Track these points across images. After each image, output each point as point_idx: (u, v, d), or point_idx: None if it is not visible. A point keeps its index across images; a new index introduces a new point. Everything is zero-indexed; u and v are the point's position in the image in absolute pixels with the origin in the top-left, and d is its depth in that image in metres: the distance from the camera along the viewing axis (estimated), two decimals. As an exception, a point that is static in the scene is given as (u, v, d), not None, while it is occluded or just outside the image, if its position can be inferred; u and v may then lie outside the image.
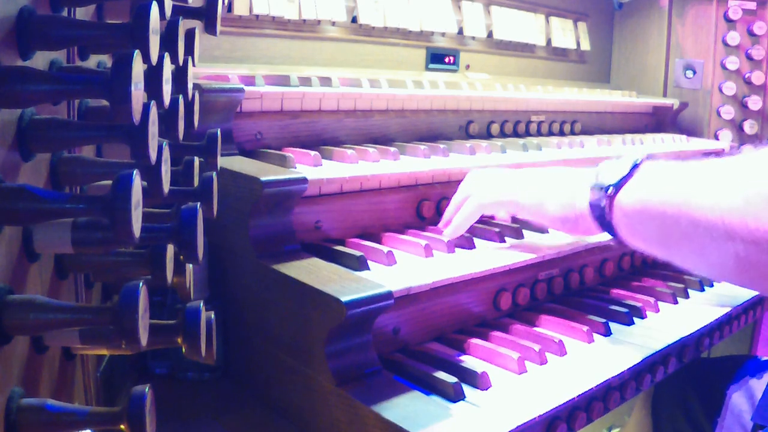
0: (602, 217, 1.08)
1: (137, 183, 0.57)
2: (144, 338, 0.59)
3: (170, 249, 0.74)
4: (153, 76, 0.71)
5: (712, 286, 1.69)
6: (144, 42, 0.62)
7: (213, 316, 0.74)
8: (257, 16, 1.62)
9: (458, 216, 1.35)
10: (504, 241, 1.42)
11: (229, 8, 1.57)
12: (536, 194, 1.22)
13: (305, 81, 1.51)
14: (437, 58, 2.06)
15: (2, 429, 0.55)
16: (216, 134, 0.94)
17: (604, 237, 1.18)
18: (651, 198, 0.99)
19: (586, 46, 2.60)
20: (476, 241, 1.40)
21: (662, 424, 1.69)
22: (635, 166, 1.05)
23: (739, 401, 1.47)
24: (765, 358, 1.59)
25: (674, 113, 2.58)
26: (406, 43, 1.98)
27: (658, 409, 1.70)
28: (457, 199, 1.38)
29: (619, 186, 1.05)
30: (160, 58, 0.70)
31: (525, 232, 1.49)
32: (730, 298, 1.61)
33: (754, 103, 2.54)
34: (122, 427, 0.58)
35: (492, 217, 1.52)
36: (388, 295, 1.05)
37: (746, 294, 1.64)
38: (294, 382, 1.11)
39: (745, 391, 1.48)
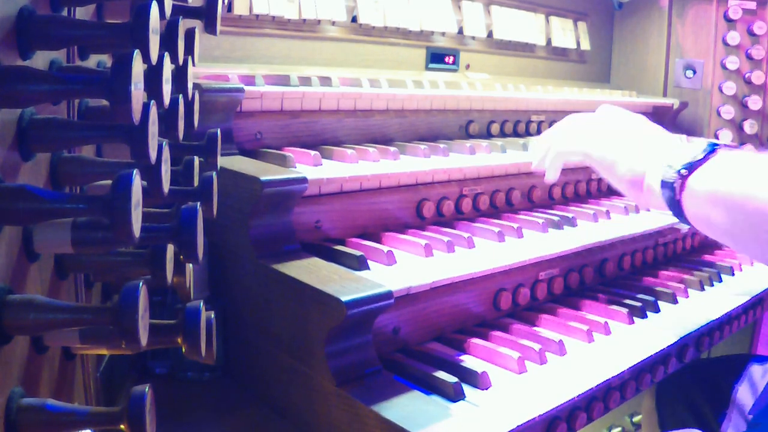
0: (672, 196, 1.09)
1: (137, 183, 0.57)
2: (144, 338, 0.59)
3: (170, 249, 0.74)
4: (153, 76, 0.71)
5: (712, 285, 1.69)
6: (144, 42, 0.62)
7: (213, 316, 0.74)
8: (257, 15, 1.62)
9: (548, 166, 1.36)
10: (504, 241, 1.42)
11: (229, 8, 1.57)
12: (610, 153, 1.23)
13: (305, 81, 1.51)
14: (437, 57, 2.06)
15: (2, 429, 0.55)
16: (216, 134, 0.94)
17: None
18: (721, 185, 1.01)
19: (586, 46, 2.60)
20: (476, 240, 1.40)
21: (667, 421, 1.69)
22: (711, 152, 1.06)
23: (744, 396, 1.48)
24: None
25: (674, 113, 2.58)
26: (406, 42, 1.98)
27: (663, 406, 1.71)
28: (542, 146, 1.39)
29: (692, 167, 1.06)
30: (160, 58, 0.70)
31: (525, 231, 1.49)
32: (730, 297, 1.60)
33: (754, 102, 2.54)
34: (122, 427, 0.58)
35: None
36: (388, 294, 1.05)
37: (747, 293, 1.64)
38: (294, 382, 1.11)
39: (750, 387, 1.49)
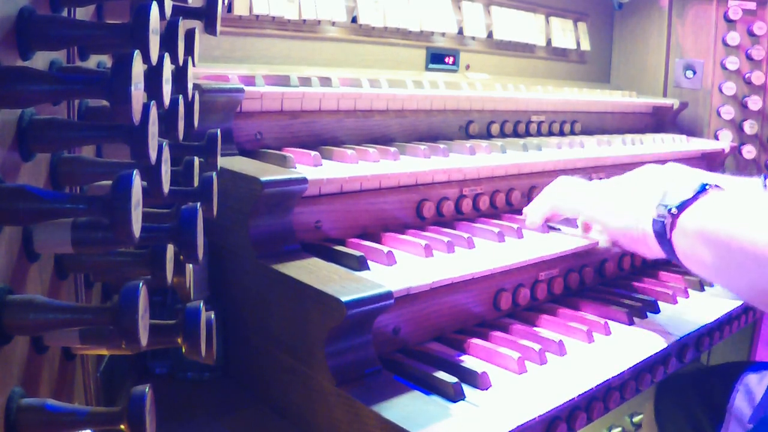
0: (663, 234, 1.13)
1: (137, 183, 0.57)
2: (144, 338, 0.59)
3: (170, 249, 0.74)
4: (153, 76, 0.71)
5: (712, 285, 1.69)
6: (144, 42, 0.62)
7: (213, 316, 0.74)
8: (257, 16, 1.62)
9: (534, 210, 1.48)
10: (504, 241, 1.42)
11: (229, 8, 1.57)
12: (605, 209, 1.31)
13: (305, 81, 1.51)
14: (437, 58, 2.06)
15: (2, 429, 0.55)
16: (216, 134, 0.94)
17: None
18: (708, 224, 1.05)
19: (586, 46, 2.60)
20: (476, 240, 1.40)
21: (666, 430, 1.70)
22: (701, 191, 1.10)
23: (742, 405, 1.48)
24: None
25: (674, 113, 2.58)
26: (406, 43, 1.98)
27: (662, 416, 1.71)
28: (540, 199, 1.52)
29: (682, 207, 1.10)
30: (160, 58, 0.70)
31: (525, 232, 1.49)
32: (730, 297, 1.60)
33: (754, 103, 2.54)
34: (122, 427, 0.58)
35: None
36: (388, 295, 1.05)
37: (746, 294, 1.64)
38: (294, 382, 1.11)
39: (747, 395, 1.49)
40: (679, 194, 1.11)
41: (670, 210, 1.11)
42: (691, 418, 1.62)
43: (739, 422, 1.48)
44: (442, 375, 1.06)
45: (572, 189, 1.45)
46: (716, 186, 1.11)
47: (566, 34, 2.50)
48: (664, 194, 1.15)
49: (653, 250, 1.20)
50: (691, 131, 2.58)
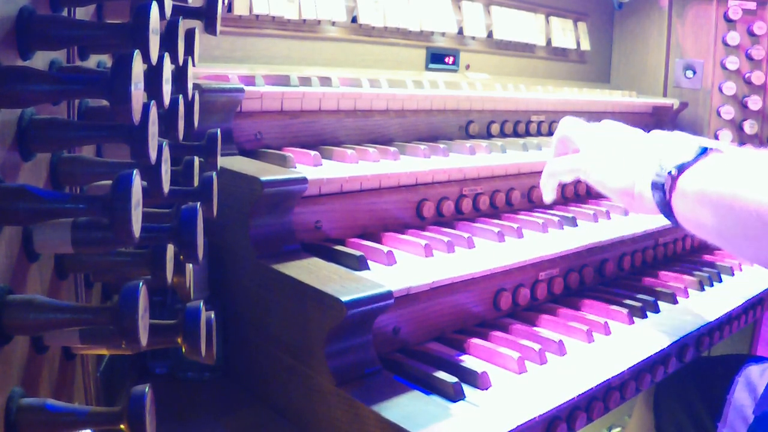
0: (662, 197, 1.10)
1: (137, 183, 0.57)
2: (144, 338, 0.59)
3: (170, 249, 0.74)
4: (153, 76, 0.71)
5: (712, 285, 1.69)
6: (144, 42, 0.62)
7: (213, 316, 0.74)
8: (257, 16, 1.62)
9: (543, 188, 1.41)
10: (504, 241, 1.42)
11: (229, 8, 1.57)
12: (602, 168, 1.25)
13: (305, 81, 1.51)
14: (437, 58, 2.06)
15: (2, 429, 0.55)
16: (216, 134, 0.94)
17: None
18: (710, 185, 1.01)
19: (586, 46, 2.60)
20: (476, 240, 1.40)
21: (664, 422, 1.69)
22: (702, 153, 1.06)
23: (742, 397, 1.48)
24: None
25: (674, 113, 2.58)
26: (406, 43, 1.98)
27: (660, 406, 1.71)
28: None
29: (682, 169, 1.06)
30: (160, 58, 0.70)
31: (525, 231, 1.49)
32: (730, 297, 1.60)
33: (754, 103, 2.54)
34: (122, 427, 0.58)
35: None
36: (388, 294, 1.05)
37: (747, 293, 1.64)
38: (294, 382, 1.11)
39: (747, 387, 1.49)
40: (678, 156, 1.08)
41: (669, 172, 1.07)
42: (691, 410, 1.61)
43: (738, 415, 1.47)
44: (442, 375, 1.06)
45: (577, 133, 1.39)
46: (717, 149, 1.09)
47: (566, 34, 2.50)
48: (663, 154, 1.11)
49: (646, 209, 1.18)
50: (691, 131, 2.55)
